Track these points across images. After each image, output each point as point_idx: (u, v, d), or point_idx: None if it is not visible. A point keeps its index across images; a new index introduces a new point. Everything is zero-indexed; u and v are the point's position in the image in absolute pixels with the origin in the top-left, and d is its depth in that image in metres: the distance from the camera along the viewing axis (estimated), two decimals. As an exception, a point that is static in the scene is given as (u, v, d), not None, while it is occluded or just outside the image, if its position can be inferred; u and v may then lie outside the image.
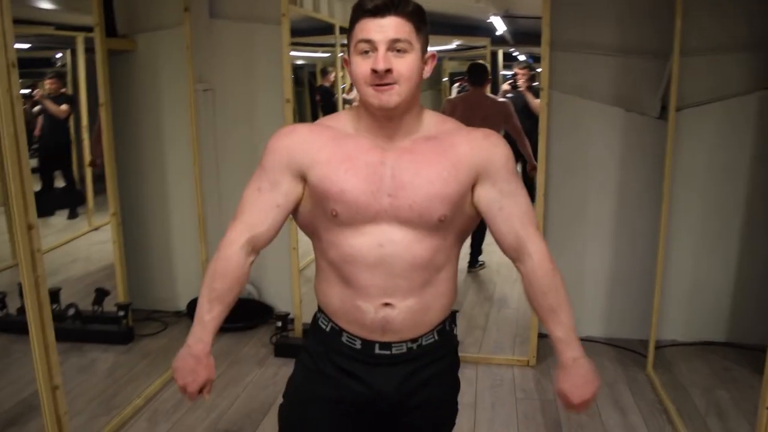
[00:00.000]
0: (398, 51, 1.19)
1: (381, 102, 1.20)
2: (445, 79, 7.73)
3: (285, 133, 1.32)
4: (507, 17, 5.05)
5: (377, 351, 1.34)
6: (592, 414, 2.71)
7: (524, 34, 6.03)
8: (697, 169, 3.12)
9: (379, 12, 1.18)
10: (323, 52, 4.58)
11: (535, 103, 4.86)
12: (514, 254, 1.34)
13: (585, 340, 3.38)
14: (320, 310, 1.41)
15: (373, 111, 1.25)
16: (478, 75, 4.40)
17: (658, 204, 2.98)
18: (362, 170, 1.26)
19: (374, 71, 1.18)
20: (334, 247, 1.31)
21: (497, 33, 6.09)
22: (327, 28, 4.01)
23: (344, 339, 1.36)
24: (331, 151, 1.28)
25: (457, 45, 7.12)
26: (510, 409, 2.77)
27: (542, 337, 3.31)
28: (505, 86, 5.65)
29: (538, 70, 6.62)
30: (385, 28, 1.18)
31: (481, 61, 4.67)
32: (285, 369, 3.04)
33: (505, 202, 1.31)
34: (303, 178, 1.30)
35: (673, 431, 2.57)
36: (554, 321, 1.31)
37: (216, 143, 3.53)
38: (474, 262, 4.47)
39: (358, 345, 1.34)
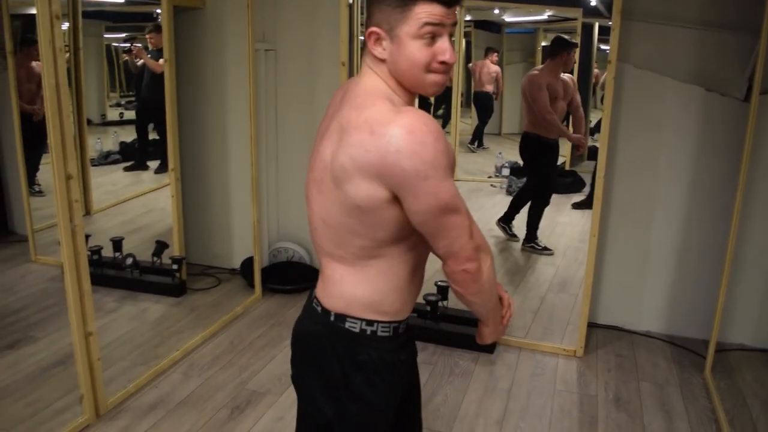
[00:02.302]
0: (451, 36, 1.17)
1: (438, 90, 1.19)
2: (539, 49, 7.40)
3: (438, 130, 1.10)
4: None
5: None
6: (634, 415, 2.54)
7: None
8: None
9: (450, 2, 1.14)
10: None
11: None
12: None
13: (642, 335, 3.18)
14: (372, 322, 1.26)
15: (415, 92, 1.22)
16: (550, 47, 4.19)
17: (734, 195, 2.71)
18: None
19: (444, 63, 1.15)
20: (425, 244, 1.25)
21: (591, 3, 5.73)
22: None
23: (401, 329, 1.31)
24: None
25: (548, 16, 6.78)
26: (546, 400, 2.63)
27: (593, 326, 3.14)
28: (608, 61, 5.33)
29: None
30: (452, 16, 1.15)
31: (562, 35, 4.40)
32: (324, 335, 3.03)
33: None
34: None
35: (721, 443, 2.36)
36: None
37: (276, 104, 3.54)
38: (532, 238, 4.28)
39: (403, 327, 1.33)
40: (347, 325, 1.25)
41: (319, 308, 1.30)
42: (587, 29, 6.53)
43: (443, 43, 1.14)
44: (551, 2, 6.17)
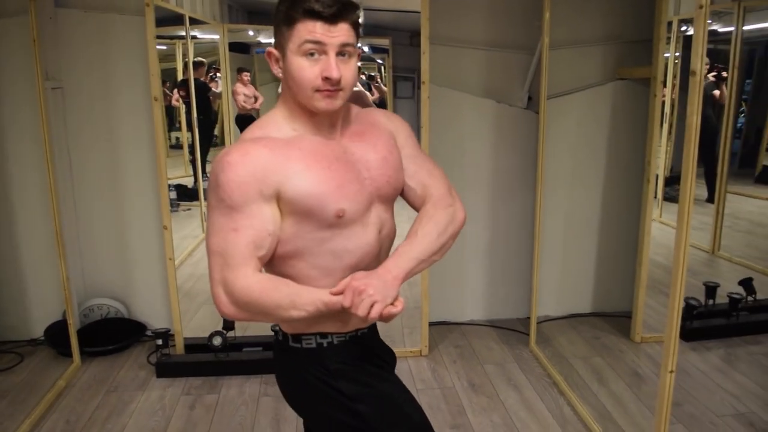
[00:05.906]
0: (342, 55, 1.18)
1: (328, 107, 1.20)
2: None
3: (238, 160, 1.16)
4: (366, 9, 5.05)
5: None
6: (491, 395, 2.82)
7: (373, 26, 6.09)
8: (561, 155, 3.33)
9: (331, 19, 1.15)
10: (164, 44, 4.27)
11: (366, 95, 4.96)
12: (422, 203, 1.37)
13: (469, 324, 3.52)
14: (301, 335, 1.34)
15: (314, 111, 1.23)
16: None
17: (529, 189, 3.18)
18: (339, 163, 1.24)
19: (327, 79, 1.17)
20: (333, 256, 1.26)
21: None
22: (175, 19, 3.73)
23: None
24: (302, 157, 1.21)
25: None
26: (414, 401, 2.79)
27: (432, 325, 3.38)
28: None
29: (378, 61, 6.76)
30: (335, 33, 1.16)
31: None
32: (171, 390, 2.82)
33: (408, 162, 1.37)
34: (277, 198, 1.20)
35: (566, 402, 2.74)
36: (407, 240, 1.27)
37: (69, 148, 3.17)
38: None
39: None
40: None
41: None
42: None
43: (327, 61, 1.16)
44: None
